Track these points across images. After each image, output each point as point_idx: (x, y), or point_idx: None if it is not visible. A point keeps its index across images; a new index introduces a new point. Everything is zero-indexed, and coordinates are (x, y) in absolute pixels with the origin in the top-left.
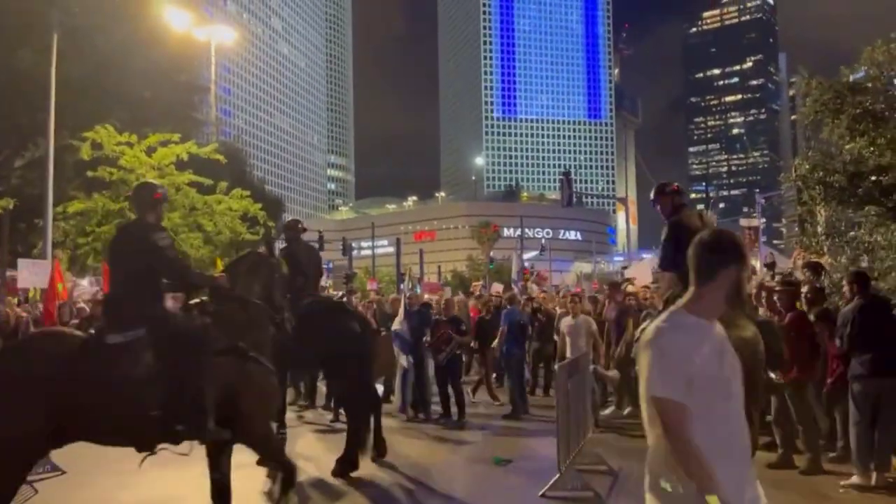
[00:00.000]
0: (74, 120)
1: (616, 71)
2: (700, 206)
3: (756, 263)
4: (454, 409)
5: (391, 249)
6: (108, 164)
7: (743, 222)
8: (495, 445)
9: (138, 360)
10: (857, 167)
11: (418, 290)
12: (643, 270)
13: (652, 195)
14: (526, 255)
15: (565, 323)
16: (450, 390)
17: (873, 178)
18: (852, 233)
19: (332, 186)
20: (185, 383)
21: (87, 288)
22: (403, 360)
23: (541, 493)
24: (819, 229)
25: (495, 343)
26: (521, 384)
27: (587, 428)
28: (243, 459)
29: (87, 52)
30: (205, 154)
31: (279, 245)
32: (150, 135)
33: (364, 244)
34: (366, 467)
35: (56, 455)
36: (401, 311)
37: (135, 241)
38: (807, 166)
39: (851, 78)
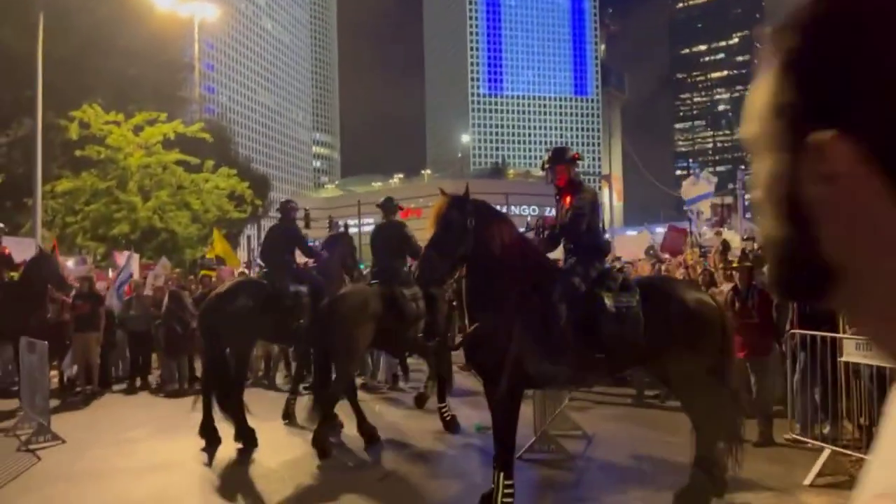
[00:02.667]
0: (59, 98)
1: (602, 47)
2: (685, 183)
3: (735, 238)
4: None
5: None
6: (95, 143)
7: (716, 200)
8: (477, 414)
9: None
10: None
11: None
12: (629, 245)
13: (549, 161)
14: None
15: None
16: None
17: None
18: None
19: (318, 164)
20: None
21: (72, 269)
22: None
23: (518, 455)
24: None
25: None
26: None
27: (564, 395)
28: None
29: (70, 31)
30: (191, 133)
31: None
32: (136, 113)
33: (351, 222)
34: (347, 435)
35: (56, 425)
36: None
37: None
38: None
39: None
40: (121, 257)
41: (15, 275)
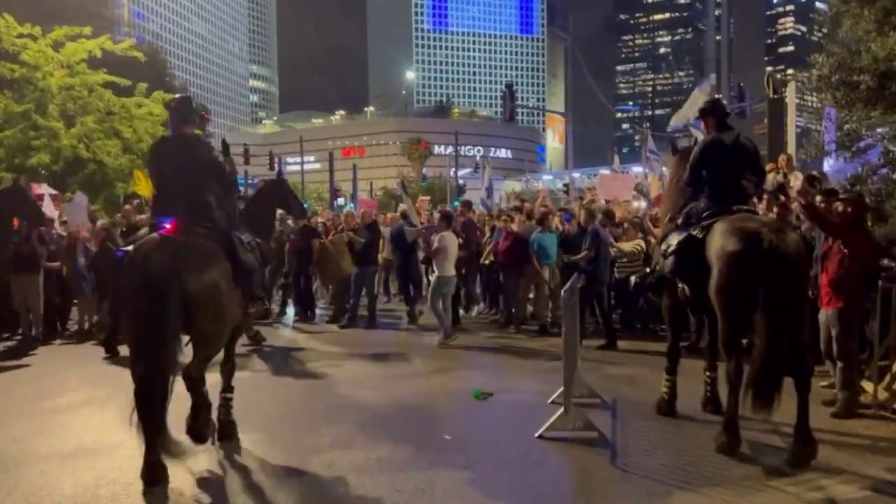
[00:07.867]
0: None
1: None
2: (625, 126)
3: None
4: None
5: (318, 166)
6: (8, 60)
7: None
8: (469, 376)
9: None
10: (888, 66)
11: (351, 207)
12: (614, 186)
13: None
14: (459, 172)
15: None
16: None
17: None
18: (868, 140)
19: (255, 98)
20: None
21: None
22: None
23: (538, 433)
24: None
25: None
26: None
27: (576, 357)
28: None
29: None
30: (121, 51)
31: None
32: (56, 28)
33: (290, 159)
34: (341, 403)
35: None
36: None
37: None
38: (829, 62)
39: None
40: (39, 189)
41: None
